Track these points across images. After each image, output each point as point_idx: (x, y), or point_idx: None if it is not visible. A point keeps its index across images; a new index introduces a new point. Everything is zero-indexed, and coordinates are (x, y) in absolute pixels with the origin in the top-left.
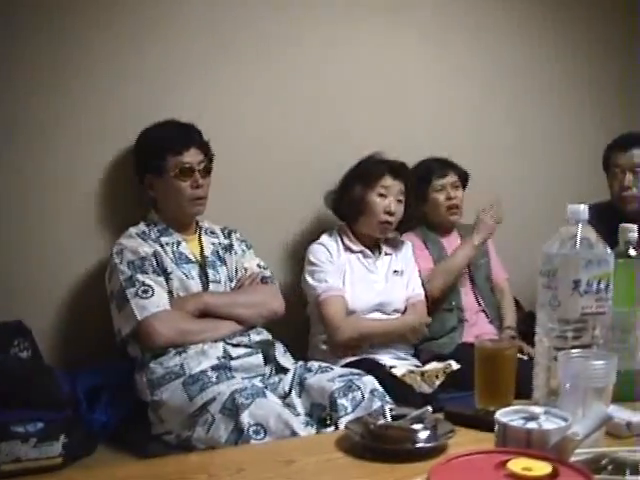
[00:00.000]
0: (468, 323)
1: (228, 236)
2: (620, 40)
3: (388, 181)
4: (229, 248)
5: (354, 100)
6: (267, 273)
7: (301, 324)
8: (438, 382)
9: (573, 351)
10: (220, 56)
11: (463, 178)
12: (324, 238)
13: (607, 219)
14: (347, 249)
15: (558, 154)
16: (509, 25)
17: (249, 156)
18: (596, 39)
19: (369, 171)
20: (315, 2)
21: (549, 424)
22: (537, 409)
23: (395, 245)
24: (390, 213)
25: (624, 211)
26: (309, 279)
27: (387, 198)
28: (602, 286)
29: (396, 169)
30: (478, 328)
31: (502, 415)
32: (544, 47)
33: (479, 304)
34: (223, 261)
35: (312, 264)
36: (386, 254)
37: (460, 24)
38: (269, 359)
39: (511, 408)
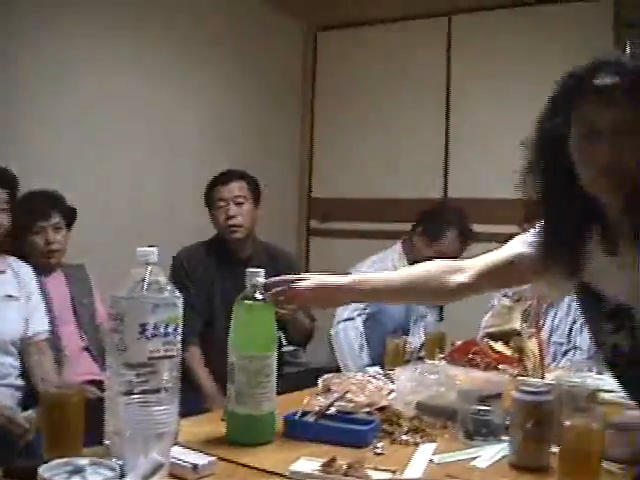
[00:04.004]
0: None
1: None
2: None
3: None
4: None
5: None
6: None
7: None
8: None
9: (134, 397)
10: None
11: (69, 217)
12: None
13: (216, 253)
14: None
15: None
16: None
17: None
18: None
19: None
20: None
21: (96, 476)
22: (82, 460)
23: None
24: None
25: (231, 241)
26: None
27: None
28: (170, 329)
29: None
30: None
31: (45, 470)
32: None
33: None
34: None
35: None
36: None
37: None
38: None
39: (59, 461)
